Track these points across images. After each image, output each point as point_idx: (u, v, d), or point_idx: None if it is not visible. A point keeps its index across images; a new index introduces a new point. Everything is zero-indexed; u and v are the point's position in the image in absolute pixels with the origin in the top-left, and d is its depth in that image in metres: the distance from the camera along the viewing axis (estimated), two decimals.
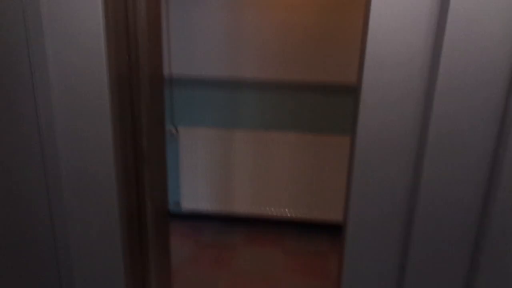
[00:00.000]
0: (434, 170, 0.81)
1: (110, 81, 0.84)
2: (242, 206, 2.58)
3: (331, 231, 2.70)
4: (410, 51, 0.78)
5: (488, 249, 0.83)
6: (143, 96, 1.03)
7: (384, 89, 0.80)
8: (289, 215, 2.58)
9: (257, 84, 2.52)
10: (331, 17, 2.36)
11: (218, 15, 2.40)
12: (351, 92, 2.50)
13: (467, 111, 0.79)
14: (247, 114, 2.56)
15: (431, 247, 0.85)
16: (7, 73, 0.83)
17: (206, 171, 2.56)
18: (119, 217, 0.90)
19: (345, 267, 0.90)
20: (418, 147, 0.82)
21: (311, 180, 2.54)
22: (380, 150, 0.83)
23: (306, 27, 2.39)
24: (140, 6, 0.99)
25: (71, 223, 0.90)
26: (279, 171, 2.54)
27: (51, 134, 0.86)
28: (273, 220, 2.67)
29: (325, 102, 2.52)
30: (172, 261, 2.32)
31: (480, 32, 0.74)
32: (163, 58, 1.18)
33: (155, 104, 1.07)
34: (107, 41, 0.82)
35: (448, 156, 0.80)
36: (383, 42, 0.77)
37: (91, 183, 0.87)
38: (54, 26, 0.81)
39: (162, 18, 2.13)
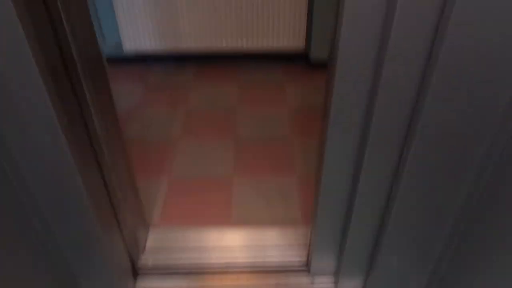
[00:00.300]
0: None
1: None
2: (191, 41, 2.40)
3: (287, 60, 2.64)
4: None
5: None
6: None
7: None
8: (242, 46, 2.45)
9: None
10: None
11: None
12: None
13: None
14: None
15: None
16: None
17: (146, 4, 2.26)
18: (39, 73, 0.75)
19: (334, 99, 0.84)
20: None
21: (264, 6, 2.32)
22: None
23: None
24: None
25: None
26: None
27: None
28: (225, 55, 2.54)
29: None
30: (122, 106, 2.23)
31: None
32: None
33: None
34: None
35: None
36: None
37: None
38: None
39: None
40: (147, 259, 1.37)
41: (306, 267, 1.33)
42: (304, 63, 2.58)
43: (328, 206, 1.09)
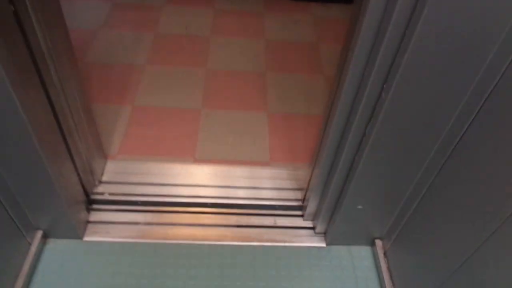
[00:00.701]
0: None
1: None
2: None
3: None
4: None
5: None
6: None
7: None
8: None
9: None
10: None
11: None
12: None
13: None
14: None
15: None
16: None
17: None
18: None
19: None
20: None
21: None
22: None
23: None
24: None
25: None
26: None
27: None
28: None
29: None
30: (84, 24, 2.02)
31: None
32: None
33: None
34: None
35: None
36: None
37: None
38: None
39: None
40: (102, 191, 1.29)
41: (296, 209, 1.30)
42: None
43: (329, 151, 1.03)
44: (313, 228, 1.25)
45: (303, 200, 1.29)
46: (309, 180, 1.19)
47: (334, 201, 1.12)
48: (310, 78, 1.86)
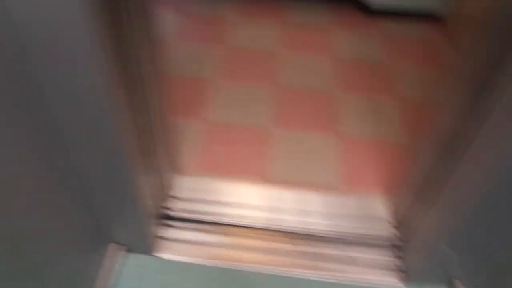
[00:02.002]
0: None
1: None
2: None
3: (333, 3, 2.38)
4: None
5: None
6: None
7: None
8: None
9: None
10: None
11: None
12: None
13: None
14: None
15: None
16: None
17: None
18: None
19: None
20: None
21: None
22: None
23: None
24: None
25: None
26: None
27: None
28: None
29: None
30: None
31: None
32: None
33: None
34: None
35: None
36: None
37: None
38: None
39: None
40: (175, 207, 1.29)
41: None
42: (355, 7, 2.33)
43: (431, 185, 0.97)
44: (395, 264, 1.19)
45: (390, 234, 1.23)
46: (395, 213, 1.13)
47: (426, 239, 1.05)
48: (381, 99, 1.79)
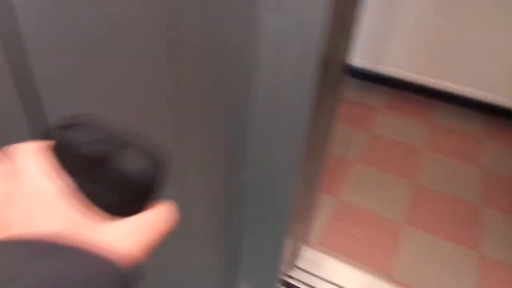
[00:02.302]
0: None
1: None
2: (394, 66, 2.23)
3: (486, 113, 2.29)
4: None
5: None
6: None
7: None
8: (448, 86, 2.19)
9: None
10: None
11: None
12: None
13: None
14: None
15: None
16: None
17: (365, 20, 2.14)
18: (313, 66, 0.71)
19: None
20: None
21: (491, 52, 2.03)
22: None
23: None
24: None
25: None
26: (456, 35, 2.04)
27: None
28: (423, 88, 2.31)
29: None
30: None
31: None
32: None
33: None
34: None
35: None
36: None
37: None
38: None
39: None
40: (296, 277, 1.29)
41: None
42: (511, 121, 2.21)
43: None
44: None
45: None
46: None
47: None
48: None
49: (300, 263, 1.35)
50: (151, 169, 0.26)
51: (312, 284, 1.28)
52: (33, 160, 0.24)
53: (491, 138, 2.12)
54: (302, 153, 0.86)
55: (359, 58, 2.25)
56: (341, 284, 1.29)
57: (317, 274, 1.32)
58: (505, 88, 2.12)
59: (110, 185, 0.25)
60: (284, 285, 1.28)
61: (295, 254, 1.32)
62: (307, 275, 1.31)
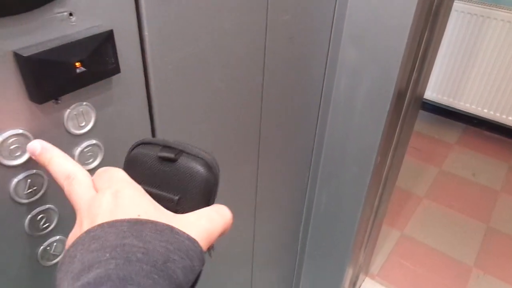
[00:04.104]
0: None
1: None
2: (469, 101, 2.16)
3: None
4: None
5: None
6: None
7: None
8: None
9: None
10: None
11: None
12: None
13: None
14: None
15: None
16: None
17: (445, 56, 2.09)
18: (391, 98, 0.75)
19: None
20: None
21: None
22: None
23: None
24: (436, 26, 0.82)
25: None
26: None
27: None
28: (500, 126, 2.19)
29: None
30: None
31: None
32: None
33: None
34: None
35: None
36: None
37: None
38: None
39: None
40: None
41: None
42: None
43: None
44: None
45: None
46: None
47: None
48: None
49: None
50: (204, 174, 0.30)
51: None
52: (123, 172, 0.31)
53: None
54: (369, 182, 0.88)
55: (434, 92, 2.21)
56: None
57: None
58: None
59: (171, 188, 0.30)
60: None
61: (355, 284, 1.32)
62: None
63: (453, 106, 2.21)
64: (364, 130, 0.82)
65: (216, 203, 0.32)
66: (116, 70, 0.36)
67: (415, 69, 0.84)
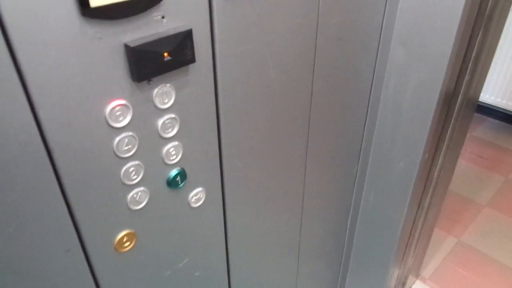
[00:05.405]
0: None
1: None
2: None
3: None
4: None
5: None
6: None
7: None
8: None
9: None
10: None
11: None
12: None
13: None
14: None
15: None
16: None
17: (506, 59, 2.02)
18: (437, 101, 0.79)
19: None
20: None
21: None
22: None
23: None
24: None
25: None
26: None
27: None
28: None
29: None
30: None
31: None
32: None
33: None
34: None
35: None
36: None
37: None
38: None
39: None
40: None
41: None
42: None
43: None
44: None
45: None
46: None
47: None
48: None
49: None
50: None
51: None
52: None
53: None
54: (416, 177, 0.92)
55: (504, 99, 2.12)
56: None
57: None
58: None
59: None
60: None
61: (404, 284, 1.33)
62: None
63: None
64: (411, 127, 0.86)
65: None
66: (192, 60, 0.47)
67: (468, 71, 0.87)
